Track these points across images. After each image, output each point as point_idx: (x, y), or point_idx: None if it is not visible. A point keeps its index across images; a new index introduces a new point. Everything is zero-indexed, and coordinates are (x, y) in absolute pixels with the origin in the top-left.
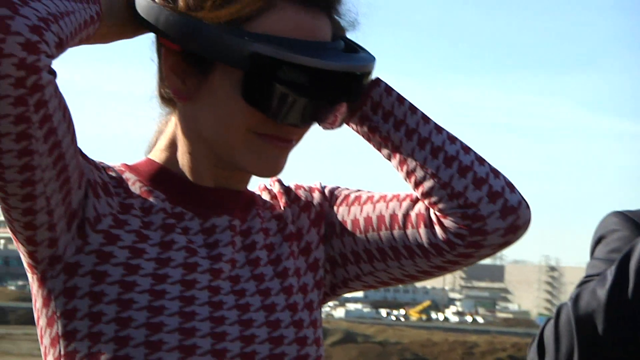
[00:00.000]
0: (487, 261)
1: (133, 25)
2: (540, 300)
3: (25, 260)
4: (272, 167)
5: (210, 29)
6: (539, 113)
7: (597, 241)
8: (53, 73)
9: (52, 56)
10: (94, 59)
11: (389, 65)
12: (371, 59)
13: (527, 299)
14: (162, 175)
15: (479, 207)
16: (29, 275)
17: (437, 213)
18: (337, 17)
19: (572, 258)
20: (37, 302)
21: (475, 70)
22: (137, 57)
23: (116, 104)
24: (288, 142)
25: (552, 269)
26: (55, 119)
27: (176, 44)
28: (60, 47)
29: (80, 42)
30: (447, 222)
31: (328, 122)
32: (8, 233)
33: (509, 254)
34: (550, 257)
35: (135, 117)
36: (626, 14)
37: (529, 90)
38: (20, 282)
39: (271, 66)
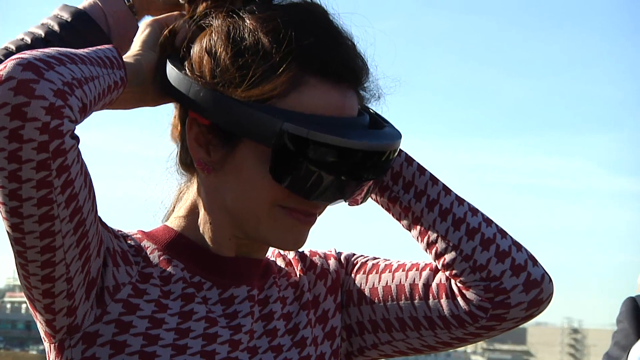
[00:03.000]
0: None
1: (155, 93)
2: None
3: (42, 328)
4: (295, 241)
5: (241, 106)
6: (560, 174)
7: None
8: (76, 138)
9: (76, 121)
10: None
11: (404, 127)
12: (398, 135)
13: None
14: (180, 244)
15: (502, 281)
16: (46, 344)
17: (459, 285)
18: (362, 89)
19: (595, 320)
20: None
21: (494, 131)
22: (148, 119)
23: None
24: (311, 217)
25: (575, 331)
26: (77, 184)
27: (206, 118)
28: (84, 112)
29: (103, 107)
30: (470, 294)
31: (353, 199)
32: None
33: None
34: (573, 319)
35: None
36: None
37: (547, 151)
38: (42, 347)
39: (300, 144)
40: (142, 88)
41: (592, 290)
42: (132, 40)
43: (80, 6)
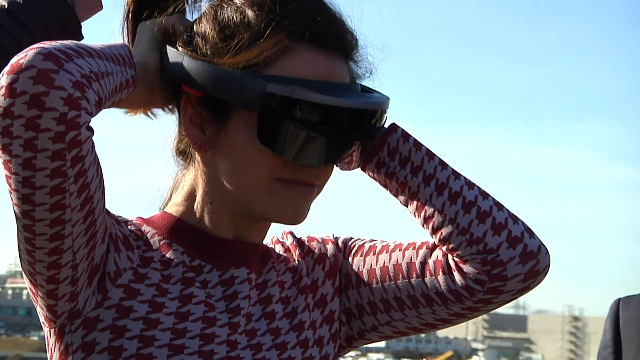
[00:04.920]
0: (510, 311)
1: (162, 94)
2: (563, 351)
3: (42, 313)
4: (294, 214)
5: (229, 73)
6: (559, 163)
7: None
8: (91, 130)
9: (92, 113)
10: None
11: (400, 115)
12: (385, 98)
13: (551, 349)
14: (179, 229)
15: (499, 253)
16: (46, 329)
17: (456, 259)
18: (353, 64)
19: (596, 308)
20: (53, 357)
21: (492, 120)
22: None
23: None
24: (310, 188)
25: (576, 318)
26: (89, 174)
27: (196, 89)
28: (99, 105)
29: (113, 105)
30: (467, 267)
31: (344, 162)
32: None
33: (532, 304)
34: (574, 307)
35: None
36: None
37: (546, 140)
38: (43, 333)
39: (284, 105)
40: (149, 88)
41: (593, 278)
42: (93, 11)
43: None
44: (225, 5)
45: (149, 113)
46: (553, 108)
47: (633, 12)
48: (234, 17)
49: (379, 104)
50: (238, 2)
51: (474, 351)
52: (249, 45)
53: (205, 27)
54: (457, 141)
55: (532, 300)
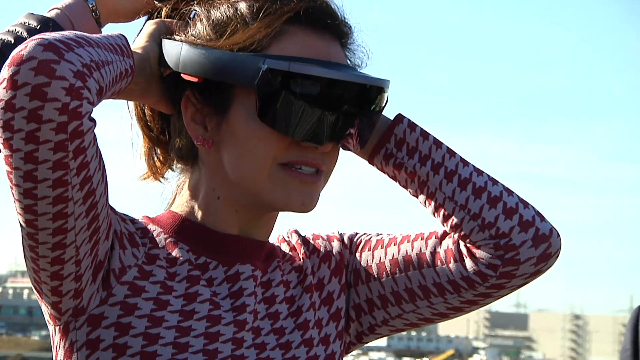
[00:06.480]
0: (511, 309)
1: (159, 87)
2: (565, 349)
3: (47, 311)
4: (302, 202)
5: (226, 54)
6: (558, 162)
7: None
8: (93, 121)
9: (93, 103)
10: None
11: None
12: (384, 79)
13: (552, 347)
14: (185, 227)
15: (511, 237)
16: (51, 327)
17: (469, 245)
18: (348, 52)
19: (597, 306)
20: (58, 354)
21: (490, 120)
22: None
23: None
24: (316, 176)
25: (577, 317)
26: (91, 166)
27: (195, 74)
28: (100, 94)
29: (112, 95)
30: (480, 253)
31: (346, 142)
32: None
33: (533, 302)
34: (575, 305)
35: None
36: None
37: (548, 139)
38: (44, 332)
39: (283, 80)
40: (148, 78)
41: (593, 276)
42: None
43: (47, 14)
44: (218, 4)
45: (161, 179)
46: (554, 108)
47: (635, 13)
48: (227, 12)
49: (379, 81)
50: None
51: (475, 350)
52: (243, 27)
53: (199, 25)
54: (457, 141)
55: (533, 299)
